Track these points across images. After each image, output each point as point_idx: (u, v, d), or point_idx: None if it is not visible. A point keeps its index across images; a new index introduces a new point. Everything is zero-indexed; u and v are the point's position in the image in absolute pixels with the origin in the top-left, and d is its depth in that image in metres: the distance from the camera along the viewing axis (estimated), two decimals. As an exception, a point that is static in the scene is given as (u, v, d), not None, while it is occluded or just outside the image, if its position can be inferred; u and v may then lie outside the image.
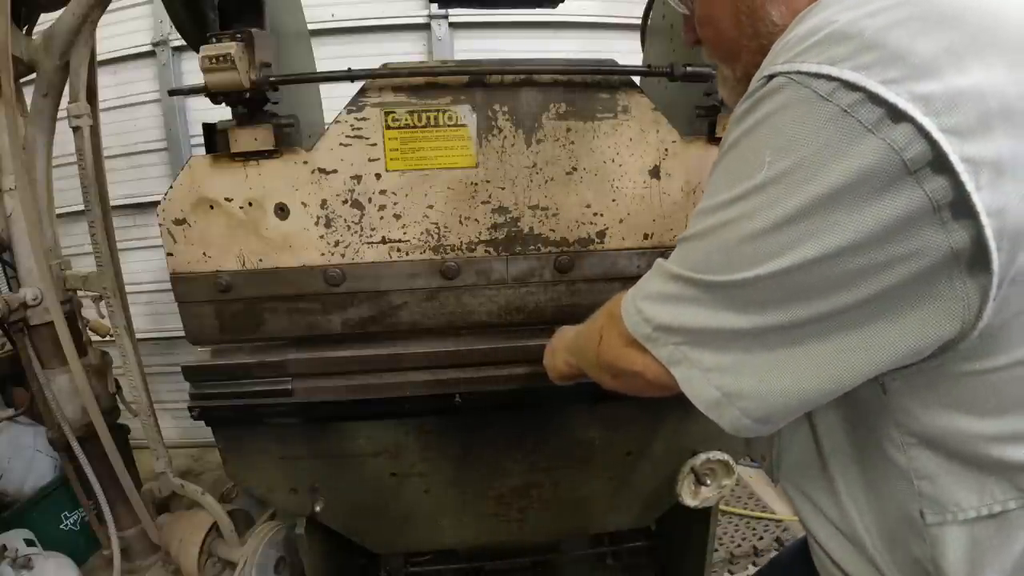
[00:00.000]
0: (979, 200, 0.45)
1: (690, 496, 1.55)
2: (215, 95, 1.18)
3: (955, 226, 0.46)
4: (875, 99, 0.46)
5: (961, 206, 0.46)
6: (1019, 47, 0.48)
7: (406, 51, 3.22)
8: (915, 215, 0.47)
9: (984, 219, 0.45)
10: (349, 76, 1.23)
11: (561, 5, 1.79)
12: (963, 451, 0.59)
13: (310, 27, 1.99)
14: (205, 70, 1.12)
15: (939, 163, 0.45)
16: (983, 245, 0.46)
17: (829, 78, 0.48)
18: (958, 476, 0.60)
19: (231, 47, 1.10)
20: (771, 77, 0.53)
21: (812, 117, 0.49)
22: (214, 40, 1.13)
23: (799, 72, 0.50)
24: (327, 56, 2.25)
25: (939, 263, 0.48)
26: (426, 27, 3.18)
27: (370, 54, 3.09)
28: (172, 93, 2.75)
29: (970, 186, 0.45)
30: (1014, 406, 0.57)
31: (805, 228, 0.50)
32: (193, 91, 1.21)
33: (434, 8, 3.08)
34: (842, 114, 0.47)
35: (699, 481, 1.53)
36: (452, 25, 3.17)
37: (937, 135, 0.45)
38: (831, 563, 0.75)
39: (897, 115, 0.45)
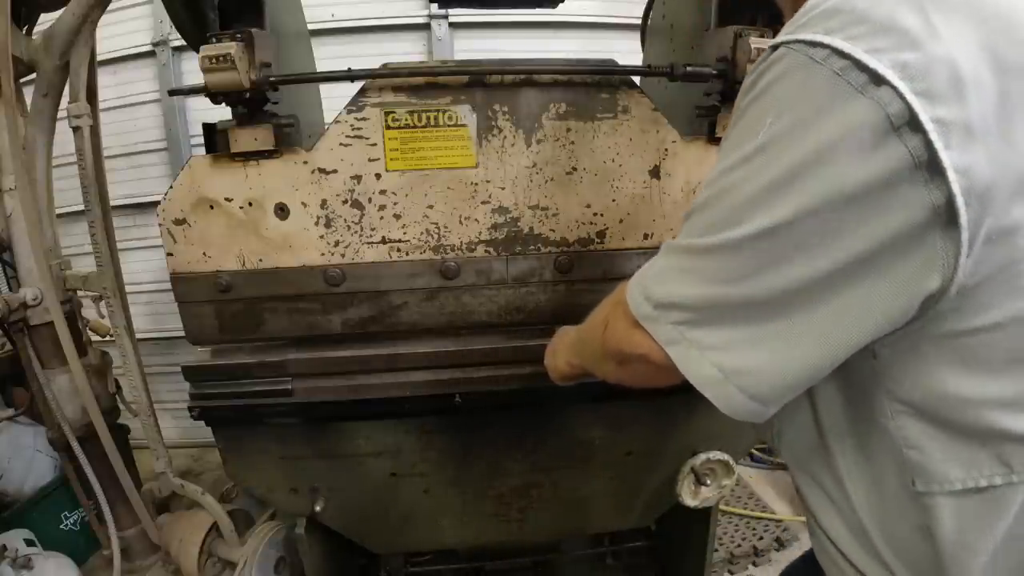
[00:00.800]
0: (947, 158, 0.49)
1: (690, 496, 1.55)
2: (215, 95, 1.18)
3: (932, 184, 0.50)
4: (860, 65, 0.50)
5: (934, 164, 0.49)
6: (994, 18, 0.52)
7: (406, 51, 3.22)
8: (902, 170, 0.50)
9: (951, 175, 0.49)
10: (349, 76, 1.23)
11: (561, 5, 1.79)
12: (949, 418, 0.61)
13: (310, 27, 1.99)
14: (205, 70, 1.12)
15: (914, 123, 0.49)
16: (952, 202, 0.50)
17: (823, 46, 0.52)
18: (944, 445, 0.62)
19: (231, 47, 1.10)
20: (775, 48, 0.57)
21: (809, 80, 0.53)
22: (214, 40, 1.13)
23: (798, 40, 0.54)
24: (327, 56, 2.24)
25: (924, 218, 0.51)
26: (426, 27, 3.18)
27: (370, 54, 3.09)
28: (172, 93, 2.74)
29: (938, 144, 0.48)
30: (993, 369, 0.58)
31: (801, 181, 0.53)
32: (193, 91, 1.21)
33: (434, 8, 3.08)
34: (835, 76, 0.51)
35: (699, 481, 1.53)
36: (452, 25, 3.17)
37: (910, 97, 0.49)
38: (827, 540, 0.77)
39: (878, 80, 0.49)
